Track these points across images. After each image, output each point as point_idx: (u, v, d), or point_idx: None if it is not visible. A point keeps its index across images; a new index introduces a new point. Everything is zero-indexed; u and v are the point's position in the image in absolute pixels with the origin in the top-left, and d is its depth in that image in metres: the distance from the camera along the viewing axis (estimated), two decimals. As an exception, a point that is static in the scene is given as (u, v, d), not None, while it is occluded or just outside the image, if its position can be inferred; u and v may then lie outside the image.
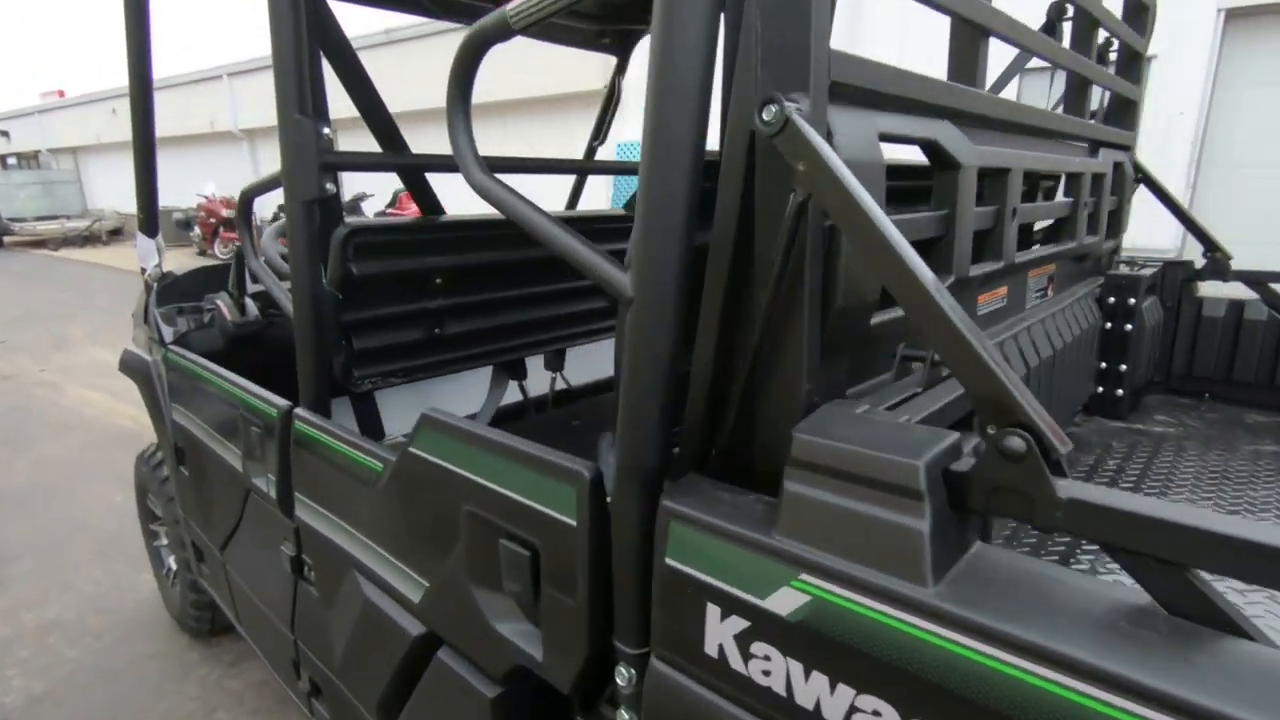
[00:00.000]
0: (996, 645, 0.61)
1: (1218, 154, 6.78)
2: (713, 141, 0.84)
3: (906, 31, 7.09)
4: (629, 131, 6.34)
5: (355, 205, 11.64)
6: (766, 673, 0.77)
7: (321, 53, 1.45)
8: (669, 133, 0.80)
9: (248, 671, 2.62)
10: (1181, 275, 2.12)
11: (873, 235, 0.72)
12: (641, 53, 1.41)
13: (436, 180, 1.80)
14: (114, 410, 5.38)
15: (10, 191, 18.78)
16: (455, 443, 1.13)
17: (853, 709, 0.70)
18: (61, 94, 24.35)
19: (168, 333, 2.30)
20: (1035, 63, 1.71)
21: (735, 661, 0.80)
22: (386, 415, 1.95)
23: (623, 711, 0.97)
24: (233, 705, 2.44)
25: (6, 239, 17.98)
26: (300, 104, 1.36)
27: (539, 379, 2.19)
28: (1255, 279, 1.96)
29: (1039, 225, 1.73)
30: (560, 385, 2.27)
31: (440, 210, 1.76)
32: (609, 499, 0.92)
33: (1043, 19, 1.83)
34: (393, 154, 1.63)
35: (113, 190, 20.88)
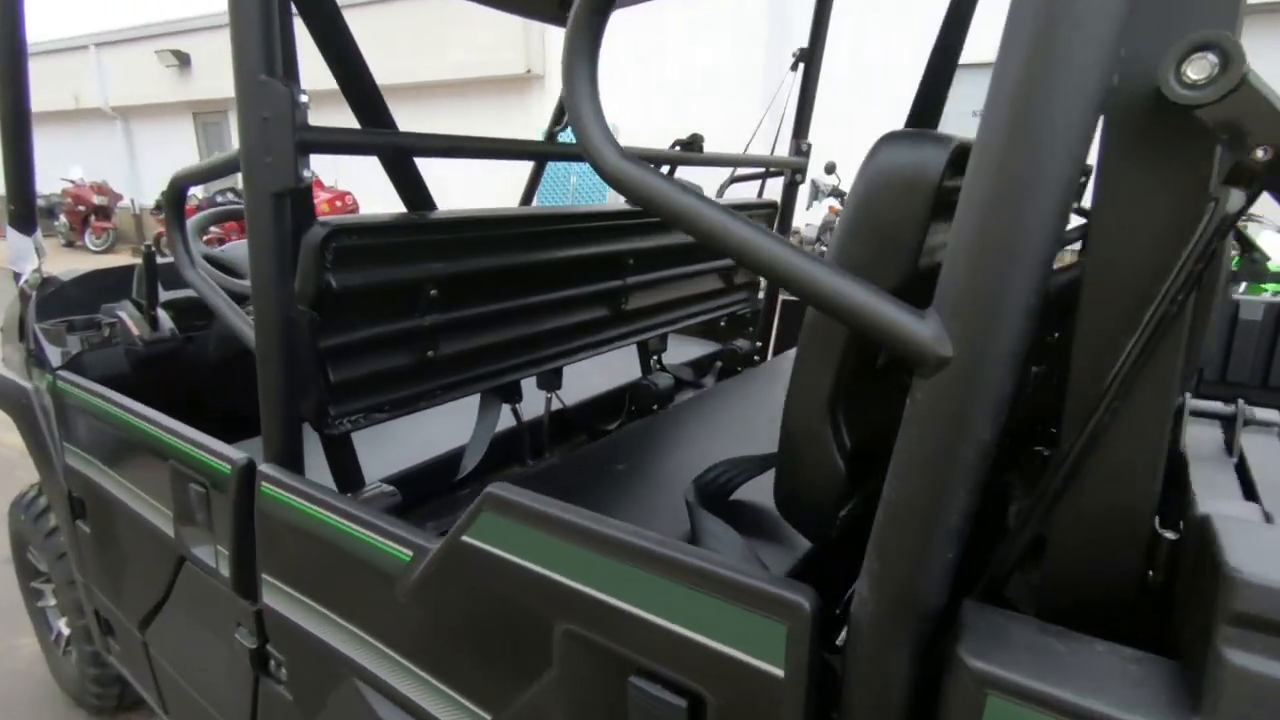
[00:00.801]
0: None
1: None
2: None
3: None
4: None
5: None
6: None
7: (292, 4, 1.09)
8: (1035, 109, 0.51)
9: (169, 756, 2.17)
10: None
11: None
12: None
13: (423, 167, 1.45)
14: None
15: None
16: (549, 538, 0.80)
17: None
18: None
19: (54, 354, 1.83)
20: None
21: None
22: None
23: None
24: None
25: None
26: (268, 63, 1.01)
27: (533, 398, 1.87)
28: None
29: None
30: (556, 405, 1.96)
31: (432, 204, 1.41)
32: (840, 643, 0.65)
33: None
34: (392, 132, 1.27)
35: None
